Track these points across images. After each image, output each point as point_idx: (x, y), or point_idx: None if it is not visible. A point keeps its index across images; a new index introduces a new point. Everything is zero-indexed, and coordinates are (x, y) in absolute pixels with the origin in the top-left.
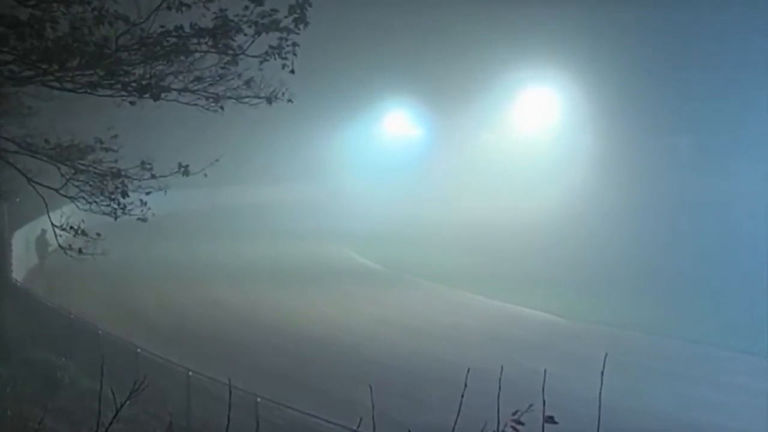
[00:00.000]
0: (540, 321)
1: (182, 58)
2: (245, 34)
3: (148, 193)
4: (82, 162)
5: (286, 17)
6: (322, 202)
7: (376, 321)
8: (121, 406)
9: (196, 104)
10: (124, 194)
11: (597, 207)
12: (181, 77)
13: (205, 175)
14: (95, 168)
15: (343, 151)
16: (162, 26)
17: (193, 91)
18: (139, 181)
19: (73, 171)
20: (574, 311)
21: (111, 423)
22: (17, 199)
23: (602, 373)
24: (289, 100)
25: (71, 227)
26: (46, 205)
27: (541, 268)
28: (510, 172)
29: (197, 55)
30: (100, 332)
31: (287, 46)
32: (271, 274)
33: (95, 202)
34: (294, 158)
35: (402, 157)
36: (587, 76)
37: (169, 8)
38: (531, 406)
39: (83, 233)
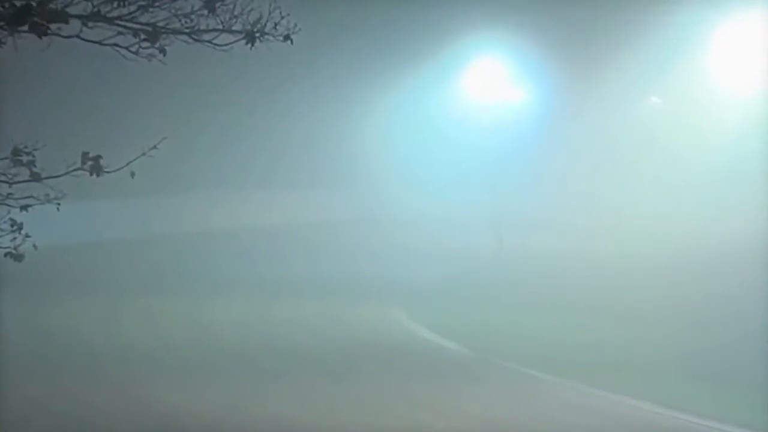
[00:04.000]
0: None
1: None
2: None
3: (25, 208)
4: None
5: None
6: (355, 227)
7: None
8: None
9: (114, 45)
10: None
11: None
12: None
13: (132, 174)
14: None
15: (391, 134)
16: None
17: (108, 21)
18: (9, 184)
19: None
20: None
21: None
22: None
23: None
24: (287, 38)
25: None
26: None
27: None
28: (697, 164)
29: None
30: None
31: None
32: (265, 361)
33: None
34: (304, 146)
35: (494, 143)
36: None
37: None
38: None
39: None
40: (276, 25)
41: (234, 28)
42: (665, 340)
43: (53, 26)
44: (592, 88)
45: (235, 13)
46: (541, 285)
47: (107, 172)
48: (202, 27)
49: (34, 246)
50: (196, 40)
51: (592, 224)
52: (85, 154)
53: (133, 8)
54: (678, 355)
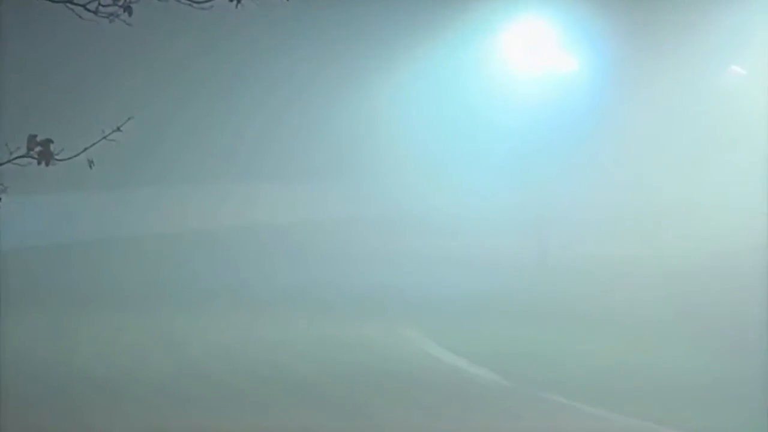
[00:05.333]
0: None
1: None
2: None
3: None
4: None
5: None
6: (358, 228)
7: None
8: None
9: (67, 1)
10: None
11: None
12: None
13: (90, 163)
14: None
15: (404, 114)
16: None
17: None
18: None
19: None
20: None
21: None
22: None
23: None
24: None
25: None
26: None
27: None
28: None
29: None
30: None
31: None
32: (248, 391)
33: None
34: (297, 129)
35: (535, 125)
36: None
37: None
38: None
39: None
40: None
41: None
42: (740, 367)
43: None
44: (659, 58)
45: None
46: (592, 300)
47: (59, 160)
48: None
49: None
50: None
51: (657, 225)
52: (32, 138)
53: None
54: (748, 384)
